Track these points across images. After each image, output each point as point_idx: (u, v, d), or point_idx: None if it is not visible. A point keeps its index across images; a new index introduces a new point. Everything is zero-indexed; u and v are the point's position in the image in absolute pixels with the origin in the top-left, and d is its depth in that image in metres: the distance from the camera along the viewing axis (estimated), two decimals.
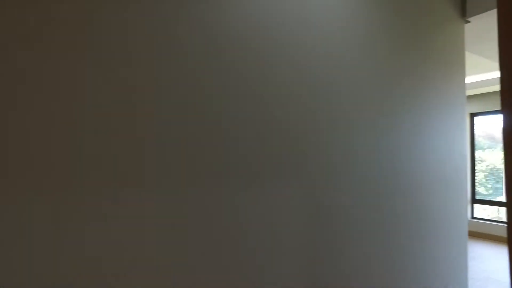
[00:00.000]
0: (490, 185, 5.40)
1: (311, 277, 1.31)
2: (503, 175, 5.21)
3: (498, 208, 5.19)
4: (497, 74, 4.10)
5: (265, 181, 1.21)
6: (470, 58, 3.43)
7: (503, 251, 4.14)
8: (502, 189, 5.22)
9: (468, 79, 4.36)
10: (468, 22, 2.37)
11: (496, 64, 3.57)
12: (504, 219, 5.04)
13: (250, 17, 1.20)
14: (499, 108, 4.90)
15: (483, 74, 4.17)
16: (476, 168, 5.43)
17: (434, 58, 2.01)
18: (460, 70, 2.27)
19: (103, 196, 0.87)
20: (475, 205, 5.32)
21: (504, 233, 4.68)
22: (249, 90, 1.19)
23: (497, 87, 4.64)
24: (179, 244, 1.00)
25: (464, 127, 2.28)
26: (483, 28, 2.52)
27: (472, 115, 5.34)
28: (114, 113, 0.90)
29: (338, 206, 1.43)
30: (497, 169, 5.33)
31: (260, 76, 1.22)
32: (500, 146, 5.32)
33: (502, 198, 5.16)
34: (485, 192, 5.38)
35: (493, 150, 5.44)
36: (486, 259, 3.80)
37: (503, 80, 0.46)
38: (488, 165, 5.43)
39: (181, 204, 1.01)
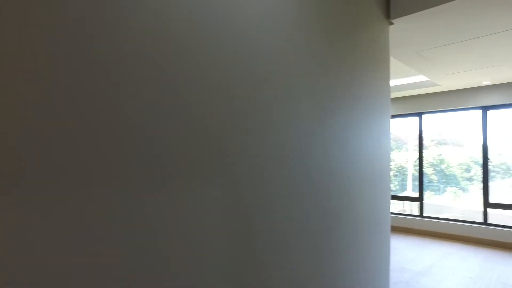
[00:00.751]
0: (397, 182, 6.00)
1: (234, 284, 1.08)
2: (407, 173, 5.85)
3: (403, 202, 5.80)
4: (411, 79, 4.49)
5: (179, 181, 0.95)
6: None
7: (414, 242, 4.57)
8: (406, 185, 5.85)
9: None
10: (392, 23, 2.44)
11: (411, 70, 3.88)
12: (408, 212, 5.64)
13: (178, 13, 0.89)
14: (407, 111, 5.44)
15: (398, 79, 4.54)
16: None
17: (361, 57, 1.96)
18: (385, 70, 2.31)
19: None
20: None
21: (413, 225, 5.18)
22: (166, 84, 0.89)
23: (408, 92, 5.12)
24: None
25: (388, 127, 2.33)
26: (402, 33, 2.65)
27: None
28: None
29: (264, 207, 1.24)
30: (402, 168, 5.96)
31: (180, 68, 0.94)
32: (405, 147, 5.96)
33: (406, 193, 5.78)
34: (394, 188, 5.96)
35: (399, 151, 6.07)
36: (400, 250, 4.11)
37: None
38: (395, 164, 6.03)
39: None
